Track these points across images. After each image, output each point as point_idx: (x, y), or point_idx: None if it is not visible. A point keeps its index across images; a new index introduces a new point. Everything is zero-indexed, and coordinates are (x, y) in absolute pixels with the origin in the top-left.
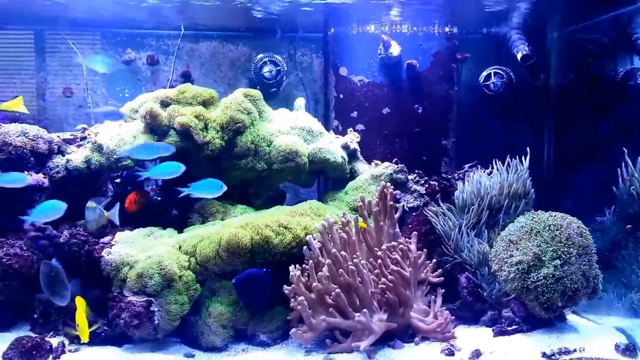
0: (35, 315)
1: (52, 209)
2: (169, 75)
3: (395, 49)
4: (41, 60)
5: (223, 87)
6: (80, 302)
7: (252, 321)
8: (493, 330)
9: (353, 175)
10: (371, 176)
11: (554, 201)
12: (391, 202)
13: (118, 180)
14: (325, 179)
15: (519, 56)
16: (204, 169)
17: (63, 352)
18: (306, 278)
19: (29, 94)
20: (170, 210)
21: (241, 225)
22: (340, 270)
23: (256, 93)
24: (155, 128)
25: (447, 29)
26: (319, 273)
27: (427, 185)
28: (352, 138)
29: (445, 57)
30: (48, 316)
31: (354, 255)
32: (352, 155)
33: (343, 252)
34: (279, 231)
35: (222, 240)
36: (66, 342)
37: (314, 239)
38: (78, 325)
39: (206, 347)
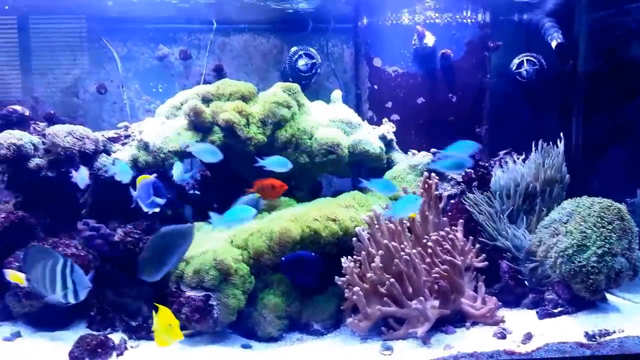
0: (92, 313)
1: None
2: (201, 70)
3: (429, 39)
4: (75, 58)
5: (254, 80)
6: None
7: (306, 311)
8: (537, 312)
9: (389, 165)
10: (409, 166)
11: (584, 185)
12: (436, 192)
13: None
14: (358, 168)
15: (553, 44)
16: (246, 164)
17: (125, 348)
18: (358, 269)
19: (62, 91)
20: (212, 204)
21: (291, 219)
22: (396, 260)
23: (295, 87)
24: (199, 125)
25: (479, 18)
26: (372, 264)
27: (463, 174)
28: (388, 128)
29: (478, 46)
30: (105, 313)
31: (402, 245)
32: (388, 145)
33: (395, 243)
34: (328, 224)
35: (273, 234)
36: (125, 337)
37: (363, 231)
38: (162, 327)
39: (262, 338)
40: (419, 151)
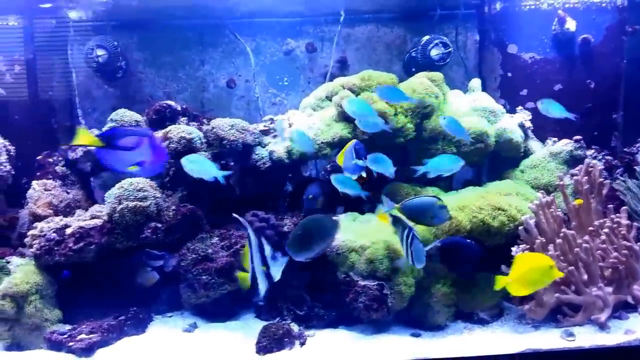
0: (260, 303)
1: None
2: (325, 62)
3: (571, 24)
4: (205, 53)
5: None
6: None
7: (472, 300)
8: None
9: (526, 153)
10: (549, 153)
11: None
12: (600, 179)
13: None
14: (493, 157)
15: None
16: (392, 155)
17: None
18: None
19: (193, 86)
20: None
21: (455, 208)
22: (576, 249)
23: (439, 76)
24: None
25: (618, 2)
26: (550, 252)
27: (603, 160)
28: (525, 117)
29: (616, 30)
30: (274, 302)
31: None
32: (524, 133)
33: (572, 231)
34: (494, 214)
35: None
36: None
37: (530, 219)
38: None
39: (428, 327)
40: (554, 139)
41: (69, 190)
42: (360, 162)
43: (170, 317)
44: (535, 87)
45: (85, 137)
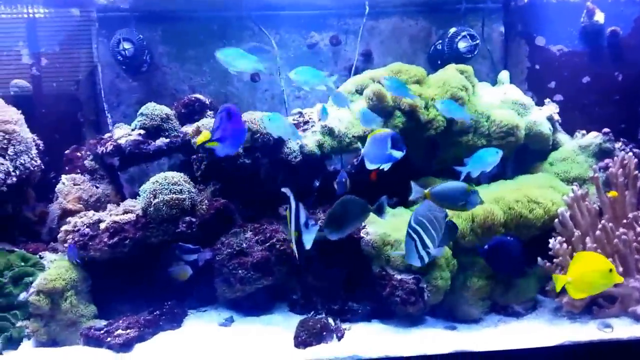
0: (294, 297)
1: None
2: (349, 55)
3: (599, 16)
4: (229, 47)
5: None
6: None
7: (507, 293)
8: None
9: (554, 146)
10: (579, 146)
11: None
12: (635, 172)
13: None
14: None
15: None
16: (421, 149)
17: (343, 330)
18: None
19: (218, 80)
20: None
21: (490, 201)
22: (615, 240)
23: (469, 69)
24: (380, 109)
25: None
26: (588, 245)
27: (630, 153)
28: (553, 109)
29: None
30: (309, 297)
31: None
32: (552, 126)
33: (610, 224)
34: (530, 206)
35: (475, 217)
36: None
37: (566, 212)
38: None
39: (462, 319)
40: (582, 131)
41: (97, 185)
42: (397, 153)
43: (204, 311)
44: (563, 79)
45: (204, 136)
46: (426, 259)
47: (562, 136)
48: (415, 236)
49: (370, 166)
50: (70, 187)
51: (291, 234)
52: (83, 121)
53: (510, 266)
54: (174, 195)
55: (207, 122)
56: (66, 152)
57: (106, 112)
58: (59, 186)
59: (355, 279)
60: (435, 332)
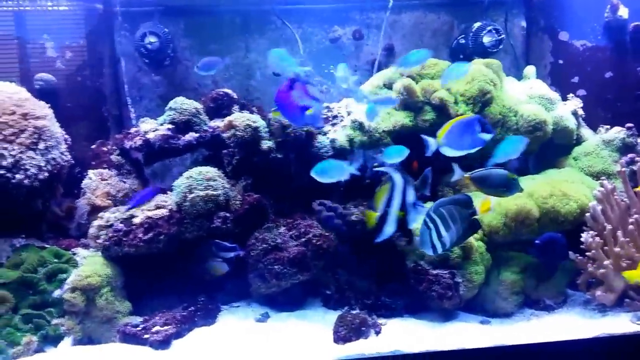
0: (328, 292)
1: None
2: (372, 49)
3: (623, 11)
4: (252, 40)
5: None
6: None
7: (539, 287)
8: None
9: (578, 141)
10: (602, 141)
11: None
12: None
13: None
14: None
15: None
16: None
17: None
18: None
19: (240, 74)
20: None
21: (525, 195)
22: None
23: (496, 63)
24: (409, 104)
25: None
26: (620, 239)
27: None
28: (577, 104)
29: None
30: (342, 292)
31: None
32: (576, 120)
33: None
34: (564, 200)
35: (509, 212)
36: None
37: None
38: None
39: (494, 314)
40: (604, 126)
41: (125, 180)
42: (486, 136)
43: (237, 306)
44: (586, 74)
45: None
46: (439, 249)
47: (585, 131)
48: (431, 225)
49: (452, 153)
50: (98, 182)
51: (378, 210)
52: (107, 115)
53: (557, 261)
54: (209, 191)
55: (239, 117)
56: (93, 146)
57: (129, 106)
58: (86, 181)
59: (387, 273)
60: (470, 326)
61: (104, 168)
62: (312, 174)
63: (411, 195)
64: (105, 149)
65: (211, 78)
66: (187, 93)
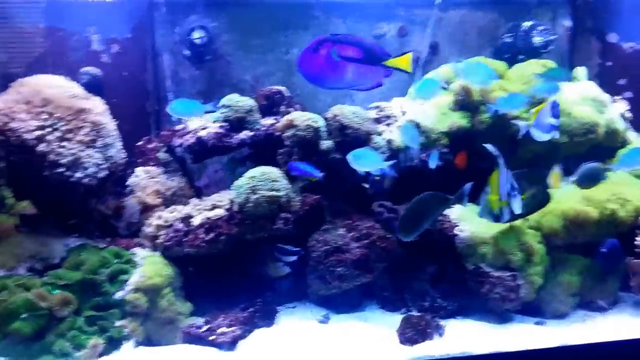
0: (385, 294)
1: None
2: (415, 47)
3: None
4: (295, 35)
5: (468, 56)
6: None
7: (594, 289)
8: None
9: (623, 143)
10: None
11: None
12: None
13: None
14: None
15: None
16: (502, 145)
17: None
18: None
19: (282, 70)
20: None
21: (581, 199)
22: None
23: (551, 63)
24: (466, 104)
25: None
26: None
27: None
28: (624, 107)
29: None
30: (400, 294)
31: None
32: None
33: None
34: (621, 203)
35: (569, 215)
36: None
37: None
38: None
39: (549, 315)
40: None
41: (173, 178)
42: (553, 121)
43: (293, 307)
44: (633, 77)
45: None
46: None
47: (631, 133)
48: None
49: (542, 137)
50: (147, 180)
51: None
52: (150, 112)
53: (616, 265)
54: (273, 192)
55: (300, 116)
56: (138, 143)
57: (169, 102)
58: (134, 179)
59: (443, 276)
60: (527, 327)
61: (151, 165)
62: (347, 156)
63: (508, 184)
64: (150, 146)
65: (251, 74)
66: (226, 89)
